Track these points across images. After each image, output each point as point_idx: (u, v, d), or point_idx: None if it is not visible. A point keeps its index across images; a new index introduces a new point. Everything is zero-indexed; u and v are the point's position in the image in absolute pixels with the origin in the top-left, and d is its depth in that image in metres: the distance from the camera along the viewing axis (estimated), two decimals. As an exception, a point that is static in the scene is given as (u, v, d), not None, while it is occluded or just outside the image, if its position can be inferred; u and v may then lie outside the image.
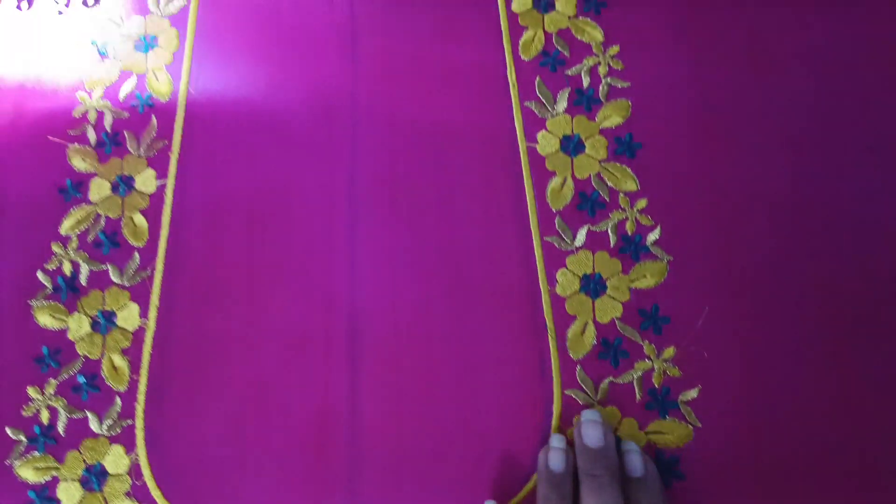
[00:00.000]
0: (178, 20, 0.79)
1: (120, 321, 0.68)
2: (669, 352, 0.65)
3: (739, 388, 0.64)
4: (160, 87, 0.76)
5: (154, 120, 0.75)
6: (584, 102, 0.74)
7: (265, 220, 0.71)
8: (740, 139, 0.72)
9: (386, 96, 0.75)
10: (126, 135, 0.75)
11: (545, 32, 0.77)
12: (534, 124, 0.74)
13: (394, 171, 0.72)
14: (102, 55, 0.77)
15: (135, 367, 0.67)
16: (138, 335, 0.68)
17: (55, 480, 0.64)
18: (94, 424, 0.65)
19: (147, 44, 0.78)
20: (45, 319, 0.68)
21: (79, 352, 0.67)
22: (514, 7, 0.78)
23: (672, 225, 0.69)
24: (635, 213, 0.70)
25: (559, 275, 0.68)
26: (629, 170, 0.71)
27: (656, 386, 0.65)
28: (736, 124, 0.72)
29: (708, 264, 0.68)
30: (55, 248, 0.71)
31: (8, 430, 0.65)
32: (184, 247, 0.71)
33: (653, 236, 0.69)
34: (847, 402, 0.63)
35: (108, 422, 0.65)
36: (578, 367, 0.65)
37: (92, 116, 0.75)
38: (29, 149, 0.74)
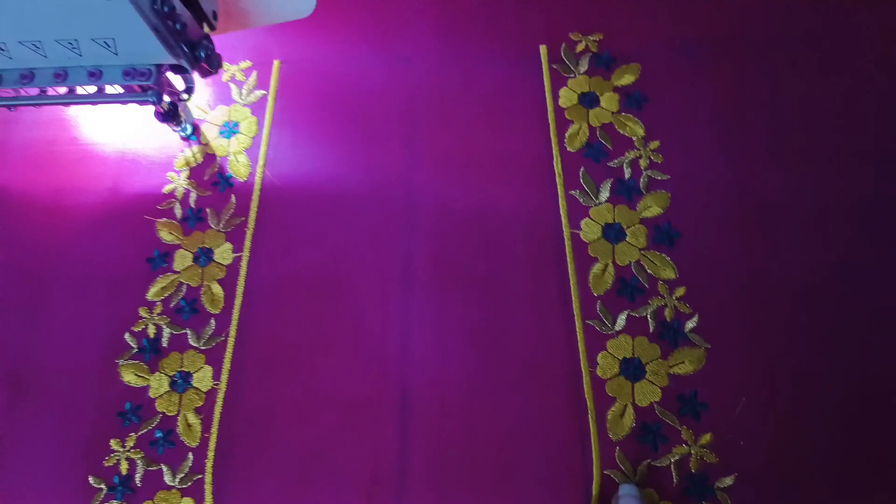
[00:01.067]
0: (257, 109, 0.89)
1: (195, 382, 0.75)
2: (706, 438, 0.68)
3: (774, 477, 0.66)
4: (240, 168, 0.85)
5: (233, 199, 0.84)
6: (626, 193, 0.79)
7: (327, 294, 0.78)
8: (775, 231, 0.76)
9: (440, 183, 0.82)
10: (208, 211, 0.84)
11: (590, 126, 0.83)
12: (578, 212, 0.79)
13: (446, 253, 0.79)
14: (192, 140, 0.87)
15: (206, 426, 0.73)
16: (211, 395, 0.75)
17: (131, 529, 0.70)
18: (167, 477, 0.71)
19: (230, 129, 0.88)
20: (130, 377, 0.76)
21: (158, 409, 0.74)
22: (562, 102, 0.85)
23: (710, 313, 0.73)
24: (674, 300, 0.74)
25: (600, 357, 0.72)
26: (668, 258, 0.76)
27: (693, 471, 0.67)
28: (770, 216, 0.76)
29: (745, 353, 0.71)
30: (142, 312, 0.79)
31: (90, 479, 0.72)
32: (254, 315, 0.78)
33: (691, 324, 0.73)
34: (886, 489, 0.65)
35: (181, 475, 0.71)
36: (618, 449, 0.69)
37: (179, 193, 0.85)
38: (123, 221, 0.84)
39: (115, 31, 0.63)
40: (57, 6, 0.57)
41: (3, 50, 0.66)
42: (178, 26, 0.67)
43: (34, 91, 0.73)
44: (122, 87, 0.76)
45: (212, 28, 0.76)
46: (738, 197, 0.77)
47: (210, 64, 0.76)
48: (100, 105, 0.75)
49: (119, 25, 0.62)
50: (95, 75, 0.70)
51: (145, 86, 0.74)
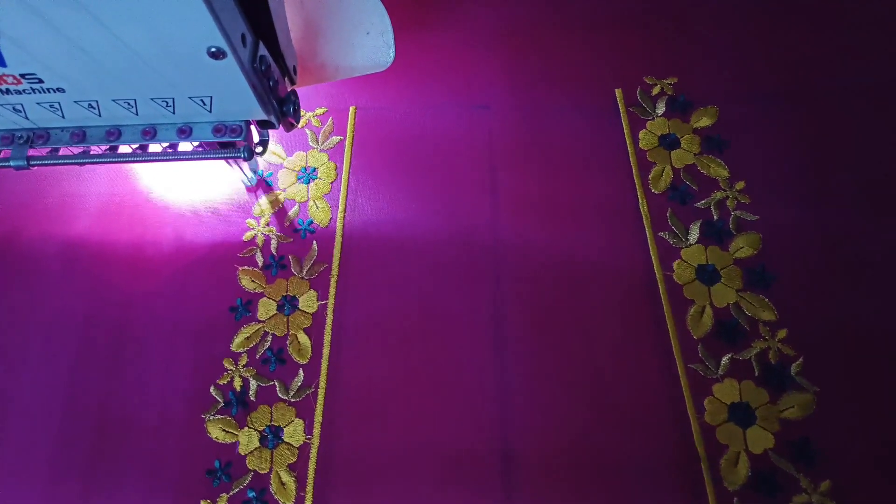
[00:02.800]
0: (335, 154, 0.89)
1: (287, 437, 0.73)
2: (825, 485, 0.66)
3: (902, 527, 0.64)
4: (320, 214, 0.85)
5: (315, 245, 0.83)
6: (716, 234, 0.79)
7: (418, 342, 0.76)
8: (872, 276, 0.75)
9: (525, 228, 0.82)
10: (290, 258, 0.82)
11: (673, 168, 0.84)
12: (668, 253, 0.79)
13: (536, 299, 0.77)
14: (269, 186, 0.87)
15: (301, 483, 0.70)
16: (304, 451, 0.72)
17: None
18: (263, 541, 0.68)
19: (308, 175, 0.87)
20: (217, 433, 0.73)
21: (249, 466, 0.71)
22: (642, 144, 0.85)
23: (814, 356, 0.72)
24: (776, 343, 0.73)
25: (707, 402, 0.71)
26: (767, 300, 0.75)
27: (815, 520, 0.65)
28: (865, 261, 0.76)
29: (857, 396, 0.70)
30: (227, 364, 0.77)
31: (180, 543, 0.68)
32: (344, 365, 0.76)
33: (796, 367, 0.71)
34: None
35: (277, 539, 0.68)
36: (736, 500, 0.66)
37: (260, 241, 0.84)
38: (203, 271, 0.82)
39: (214, 89, 0.63)
40: (165, 66, 0.57)
41: (93, 108, 0.65)
42: (271, 83, 0.67)
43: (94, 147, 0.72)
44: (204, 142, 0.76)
45: (292, 83, 0.77)
46: (831, 240, 0.78)
47: (296, 118, 0.76)
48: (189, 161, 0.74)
49: (218, 84, 0.61)
50: (185, 132, 0.69)
51: (229, 141, 0.73)
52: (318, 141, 0.90)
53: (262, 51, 0.59)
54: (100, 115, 0.62)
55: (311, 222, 0.84)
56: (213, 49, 0.51)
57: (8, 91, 0.56)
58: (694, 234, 0.79)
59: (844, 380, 0.70)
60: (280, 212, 0.86)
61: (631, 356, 0.74)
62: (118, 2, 0.46)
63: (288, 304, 0.80)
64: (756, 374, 0.72)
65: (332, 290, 0.80)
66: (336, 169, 0.88)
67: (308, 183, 0.87)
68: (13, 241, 0.86)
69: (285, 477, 0.71)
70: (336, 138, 0.90)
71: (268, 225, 0.85)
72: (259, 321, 0.79)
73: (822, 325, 0.73)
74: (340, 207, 0.85)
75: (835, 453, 0.67)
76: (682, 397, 0.71)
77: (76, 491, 0.71)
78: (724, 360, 0.73)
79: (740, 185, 0.81)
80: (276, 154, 0.89)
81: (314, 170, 0.88)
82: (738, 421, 0.70)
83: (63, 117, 0.61)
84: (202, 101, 0.61)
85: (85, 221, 0.86)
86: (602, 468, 0.69)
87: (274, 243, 0.84)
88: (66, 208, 0.87)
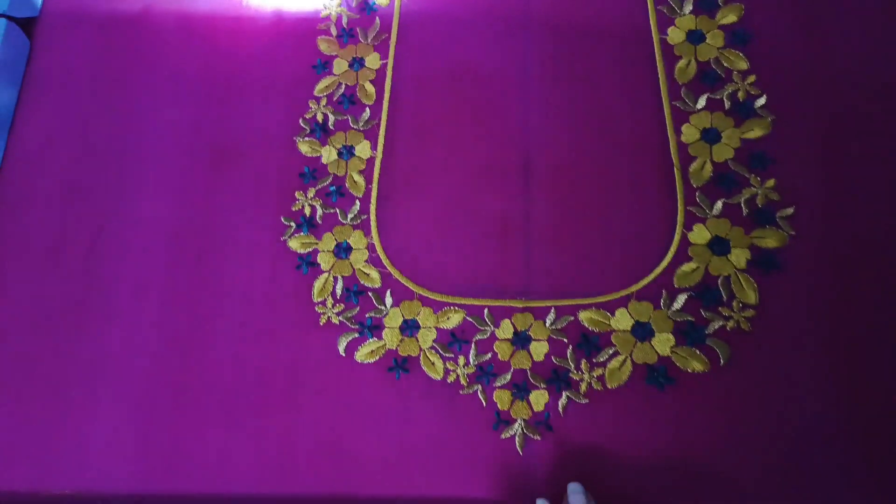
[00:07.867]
0: (394, -49, 1.08)
1: (357, 152, 0.96)
2: (771, 182, 0.86)
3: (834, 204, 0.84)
4: (381, -3, 1.05)
5: (377, 20, 1.04)
6: (707, 7, 0.96)
7: (460, 88, 0.97)
8: (847, 26, 0.92)
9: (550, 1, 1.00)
10: (358, 30, 1.03)
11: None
12: (664, 22, 0.97)
13: (555, 53, 0.97)
14: (341, -26, 1.07)
15: (368, 181, 0.94)
16: (370, 162, 0.95)
17: (315, 252, 0.91)
18: (341, 217, 0.92)
19: (372, -34, 1.07)
20: (306, 149, 0.97)
21: (329, 171, 0.95)
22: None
23: (778, 95, 0.90)
24: (746, 85, 0.91)
25: (684, 128, 0.90)
26: (742, 54, 0.93)
27: (759, 206, 0.85)
28: (843, 11, 0.93)
29: (810, 122, 0.88)
30: (311, 104, 1.00)
31: (282, 218, 0.93)
32: (401, 105, 0.98)
33: (760, 101, 0.90)
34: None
35: (351, 216, 0.92)
36: (698, 192, 0.87)
37: (333, 17, 1.05)
38: (290, 38, 1.04)
39: None
40: None
41: None
42: None
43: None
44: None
45: None
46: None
47: None
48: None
49: None
50: None
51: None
52: (380, -59, 1.09)
53: None
54: None
55: (375, 3, 1.05)
56: None
57: None
58: (688, 7, 0.96)
59: (802, 109, 0.89)
60: (350, -5, 1.06)
61: (628, 96, 0.93)
62: None
63: (357, 63, 1.01)
64: (726, 108, 0.90)
65: (391, 52, 1.01)
66: (395, -38, 1.07)
67: (372, -27, 1.07)
68: (143, 19, 1.09)
69: (357, 178, 0.94)
70: (395, -61, 1.09)
71: (339, 6, 1.06)
72: (334, 75, 1.01)
73: (791, 74, 0.91)
74: (398, -9, 1.05)
75: (783, 161, 0.87)
76: (664, 124, 0.91)
77: (198, 201, 0.96)
78: (702, 99, 0.91)
79: (731, -33, 0.97)
80: (346, -49, 1.09)
81: (377, -37, 1.07)
82: (707, 139, 0.89)
83: None
84: None
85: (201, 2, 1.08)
86: (600, 170, 0.90)
87: (345, 19, 1.05)
88: (182, -9, 1.09)
